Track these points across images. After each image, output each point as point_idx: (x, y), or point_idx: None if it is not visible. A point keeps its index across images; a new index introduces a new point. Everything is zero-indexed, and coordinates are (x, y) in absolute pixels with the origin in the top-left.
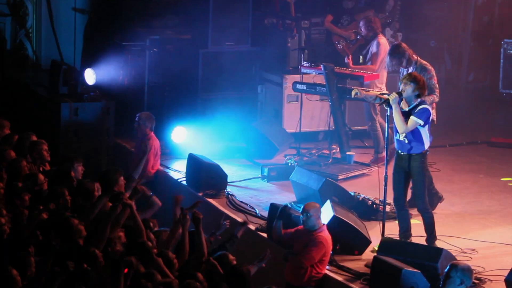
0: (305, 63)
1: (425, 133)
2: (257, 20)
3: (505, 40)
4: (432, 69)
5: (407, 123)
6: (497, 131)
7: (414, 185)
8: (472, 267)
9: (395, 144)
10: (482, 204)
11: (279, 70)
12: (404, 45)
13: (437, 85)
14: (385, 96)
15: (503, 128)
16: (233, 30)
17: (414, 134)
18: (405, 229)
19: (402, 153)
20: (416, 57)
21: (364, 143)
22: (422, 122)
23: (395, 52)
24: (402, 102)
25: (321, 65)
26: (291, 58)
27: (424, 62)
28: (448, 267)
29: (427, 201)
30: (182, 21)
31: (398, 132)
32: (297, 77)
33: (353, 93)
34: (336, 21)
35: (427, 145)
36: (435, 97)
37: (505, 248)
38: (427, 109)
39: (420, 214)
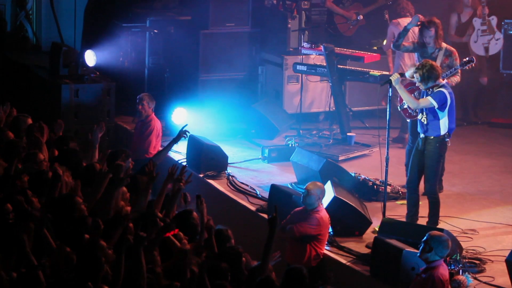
0: (305, 44)
1: (444, 117)
2: (257, 1)
3: (506, 20)
4: (456, 51)
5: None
6: (498, 112)
7: (426, 168)
8: (473, 248)
9: (418, 125)
10: (482, 185)
11: (280, 51)
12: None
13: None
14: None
15: (503, 109)
16: (233, 11)
17: (433, 116)
18: (413, 213)
19: (420, 135)
20: (441, 41)
21: (365, 124)
22: (436, 104)
23: (430, 25)
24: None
25: (322, 46)
26: (292, 39)
27: (448, 46)
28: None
29: (436, 186)
30: (182, 2)
31: (420, 113)
32: (297, 58)
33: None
34: (338, 1)
35: (444, 130)
36: (458, 78)
37: (505, 228)
38: (442, 92)
39: (426, 196)
